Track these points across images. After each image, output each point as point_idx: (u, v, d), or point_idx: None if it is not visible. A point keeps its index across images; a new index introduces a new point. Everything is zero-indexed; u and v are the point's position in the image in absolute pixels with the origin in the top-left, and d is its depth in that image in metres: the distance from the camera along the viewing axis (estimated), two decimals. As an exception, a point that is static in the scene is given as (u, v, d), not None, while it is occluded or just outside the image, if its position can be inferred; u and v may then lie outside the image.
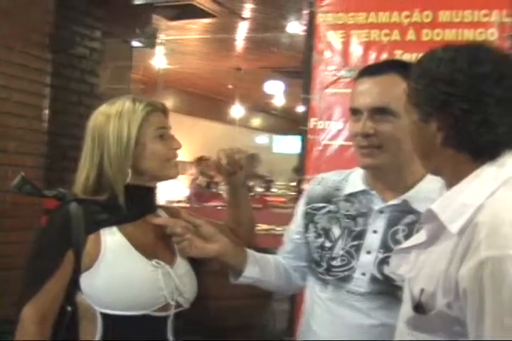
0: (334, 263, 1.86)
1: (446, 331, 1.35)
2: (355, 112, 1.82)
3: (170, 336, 1.86)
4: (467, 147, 1.38)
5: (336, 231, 1.89)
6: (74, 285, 1.80)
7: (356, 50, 3.42)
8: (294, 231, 2.04)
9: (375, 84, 1.79)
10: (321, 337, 1.87)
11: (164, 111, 1.97)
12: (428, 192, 1.65)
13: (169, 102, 10.66)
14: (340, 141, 3.38)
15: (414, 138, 1.50)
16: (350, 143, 3.22)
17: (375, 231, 1.83)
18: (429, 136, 1.42)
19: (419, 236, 1.50)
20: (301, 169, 3.53)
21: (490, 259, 1.24)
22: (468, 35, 3.27)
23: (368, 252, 1.82)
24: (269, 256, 2.06)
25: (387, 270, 1.76)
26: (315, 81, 3.47)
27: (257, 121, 17.53)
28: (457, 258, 1.31)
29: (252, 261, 1.98)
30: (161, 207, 2.08)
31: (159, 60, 9.37)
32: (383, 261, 1.78)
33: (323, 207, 1.95)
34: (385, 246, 1.79)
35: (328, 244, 1.89)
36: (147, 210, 1.96)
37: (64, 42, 4.87)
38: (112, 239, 1.83)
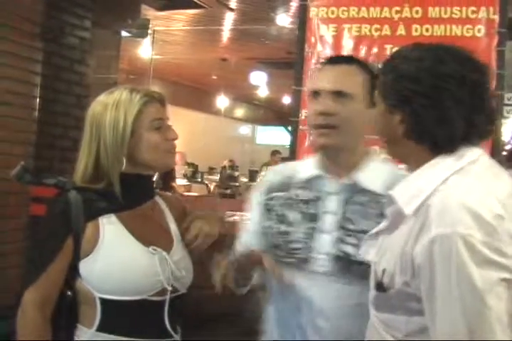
0: (294, 246, 1.94)
1: (405, 308, 1.44)
2: (316, 95, 1.95)
3: (167, 320, 1.90)
4: (426, 140, 1.49)
5: (293, 216, 1.97)
6: (73, 271, 1.84)
7: (347, 44, 3.48)
8: (254, 222, 2.09)
9: (338, 71, 1.95)
10: (287, 320, 1.95)
11: (162, 101, 1.98)
12: (377, 171, 1.90)
13: (154, 92, 10.62)
14: (330, 133, 3.42)
15: (380, 127, 1.60)
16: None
17: (330, 212, 1.93)
18: (392, 127, 1.52)
19: (384, 222, 1.59)
20: (291, 159, 3.56)
21: (439, 236, 1.33)
22: (457, 31, 3.34)
23: (325, 232, 1.91)
24: None
25: (344, 248, 1.87)
26: (306, 73, 3.50)
27: (240, 112, 17.52)
28: (412, 237, 1.41)
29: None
30: (159, 194, 2.11)
31: (145, 50, 9.33)
32: (340, 240, 1.88)
33: (281, 196, 2.03)
34: (341, 226, 1.89)
35: (286, 229, 1.97)
36: (144, 198, 2.00)
37: (54, 32, 4.85)
38: (110, 227, 1.87)
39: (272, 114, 16.49)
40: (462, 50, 1.52)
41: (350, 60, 2.01)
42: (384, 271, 1.48)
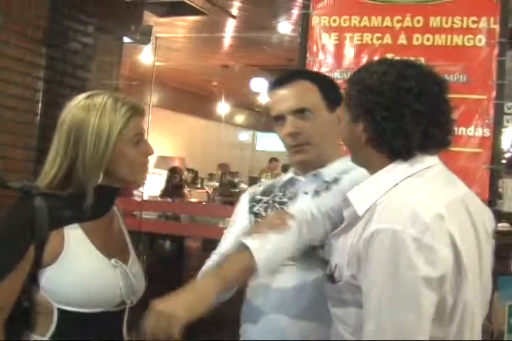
0: None
1: (353, 301, 1.53)
2: (278, 119, 2.04)
3: (120, 332, 1.90)
4: (384, 148, 1.60)
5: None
6: (32, 280, 1.79)
7: (349, 53, 3.49)
8: (240, 228, 2.11)
9: (290, 91, 2.01)
10: (258, 304, 1.98)
11: (143, 114, 1.93)
12: (339, 169, 1.94)
13: (155, 98, 10.66)
14: (331, 140, 3.44)
15: (345, 135, 1.71)
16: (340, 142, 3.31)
17: None
18: (356, 135, 1.63)
19: (343, 223, 1.67)
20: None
21: (377, 231, 1.45)
22: (458, 40, 3.35)
23: None
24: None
25: None
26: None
27: (241, 118, 17.53)
28: (359, 233, 1.52)
29: None
30: None
31: (147, 56, 9.33)
32: None
33: (262, 199, 2.11)
34: None
35: None
36: (107, 209, 1.96)
37: (58, 37, 4.88)
38: (75, 237, 1.82)
39: (273, 120, 16.45)
40: (423, 66, 1.64)
41: (297, 76, 2.07)
42: (336, 265, 1.59)
